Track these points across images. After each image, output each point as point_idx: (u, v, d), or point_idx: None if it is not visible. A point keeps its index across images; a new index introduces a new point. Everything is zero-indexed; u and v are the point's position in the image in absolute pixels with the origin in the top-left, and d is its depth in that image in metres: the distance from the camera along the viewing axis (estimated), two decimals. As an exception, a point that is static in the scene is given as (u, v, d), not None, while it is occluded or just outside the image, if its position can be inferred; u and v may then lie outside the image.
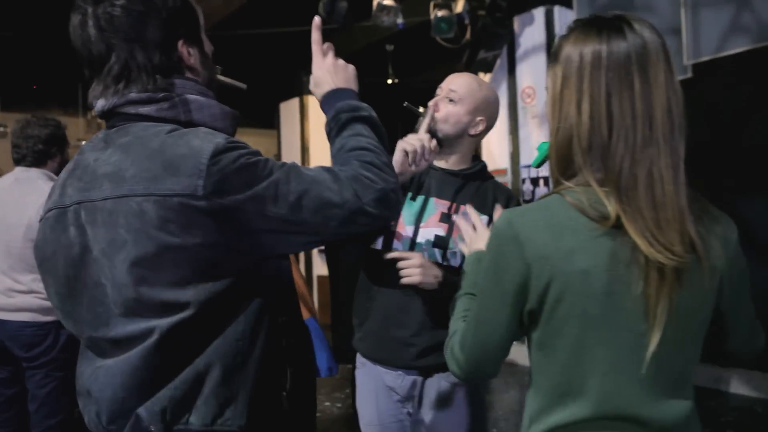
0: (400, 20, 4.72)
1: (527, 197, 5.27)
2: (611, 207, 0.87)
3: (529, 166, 5.27)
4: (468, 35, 5.21)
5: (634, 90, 0.87)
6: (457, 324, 1.07)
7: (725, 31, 4.21)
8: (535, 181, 5.22)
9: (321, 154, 7.50)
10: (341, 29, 5.00)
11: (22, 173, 2.49)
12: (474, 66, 5.35)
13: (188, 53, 1.07)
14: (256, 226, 0.96)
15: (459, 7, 4.97)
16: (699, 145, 4.38)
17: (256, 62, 7.68)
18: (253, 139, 9.78)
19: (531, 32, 5.23)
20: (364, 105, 1.16)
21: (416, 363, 1.68)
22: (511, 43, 5.34)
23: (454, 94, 1.72)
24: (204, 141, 0.95)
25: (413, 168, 1.54)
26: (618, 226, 0.87)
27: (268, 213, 0.95)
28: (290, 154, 7.99)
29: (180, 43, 1.05)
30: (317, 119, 7.80)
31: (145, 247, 0.93)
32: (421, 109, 1.71)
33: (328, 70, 1.20)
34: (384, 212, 1.02)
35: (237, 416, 0.97)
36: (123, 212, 0.94)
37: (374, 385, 1.79)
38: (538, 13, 5.16)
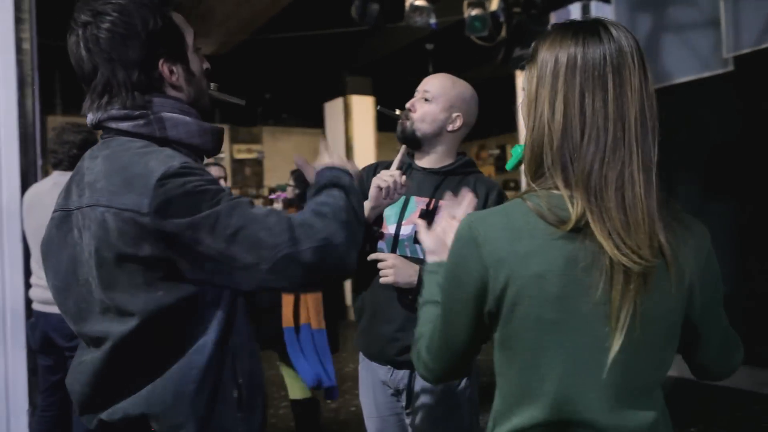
0: (433, 20, 4.75)
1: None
2: (574, 210, 0.87)
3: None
4: (503, 33, 5.21)
5: (607, 92, 0.88)
6: (422, 328, 1.07)
7: (767, 22, 4.09)
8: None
9: (364, 152, 7.61)
10: (373, 31, 5.09)
11: (59, 177, 2.67)
12: (510, 63, 5.34)
13: (170, 72, 1.12)
14: (195, 253, 0.99)
15: (494, 5, 4.97)
16: (740, 140, 4.28)
17: (302, 64, 7.85)
18: (300, 138, 10.01)
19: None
20: (347, 178, 1.17)
21: (402, 358, 1.74)
22: (547, 39, 5.30)
23: (428, 94, 1.79)
24: (160, 163, 1.01)
25: (387, 201, 1.68)
26: (577, 230, 0.87)
27: (203, 242, 0.98)
28: (335, 152, 8.15)
29: (161, 62, 1.11)
30: (360, 119, 7.92)
31: (107, 254, 1.02)
32: (397, 112, 1.79)
33: (332, 159, 1.24)
34: (321, 264, 1.01)
35: None
36: (93, 219, 1.03)
37: (371, 380, 1.88)
38: (575, 8, 5.10)
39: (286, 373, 3.32)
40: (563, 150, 0.89)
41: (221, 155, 10.25)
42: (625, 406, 0.91)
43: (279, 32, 6.94)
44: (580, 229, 0.87)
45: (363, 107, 7.97)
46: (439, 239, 1.15)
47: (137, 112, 1.09)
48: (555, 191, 0.91)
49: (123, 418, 1.04)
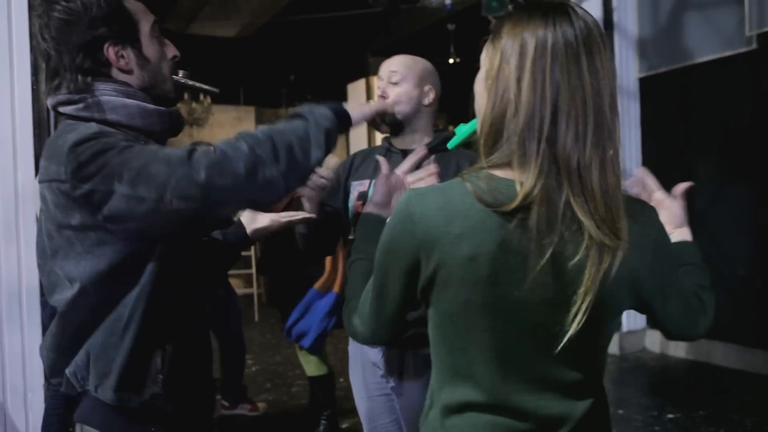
0: (448, 0, 4.70)
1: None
2: (522, 191, 0.85)
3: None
4: (521, 12, 5.12)
5: (582, 71, 0.86)
6: (355, 287, 1.08)
7: (793, -1, 3.94)
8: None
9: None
10: (394, 12, 5.05)
11: None
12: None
13: (117, 56, 1.15)
14: (113, 207, 1.04)
15: (511, -17, 4.89)
16: (764, 120, 4.13)
17: (325, 45, 7.86)
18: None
19: (588, 8, 5.01)
20: (322, 111, 1.18)
21: None
22: (567, 18, 5.19)
23: (396, 75, 1.79)
24: (74, 134, 1.08)
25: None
26: (513, 214, 0.86)
27: (116, 192, 1.03)
28: (358, 132, 8.16)
29: (106, 45, 1.14)
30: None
31: (50, 225, 1.11)
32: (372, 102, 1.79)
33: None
34: (215, 180, 1.03)
35: (107, 390, 1.11)
36: (41, 196, 1.13)
37: (360, 360, 1.89)
38: (595, -14, 4.99)
39: (301, 353, 3.39)
40: (530, 128, 0.86)
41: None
42: (558, 392, 0.92)
43: (300, 14, 6.94)
44: (516, 213, 0.86)
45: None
46: (387, 194, 1.18)
47: (77, 96, 1.13)
48: (498, 173, 0.90)
49: (74, 372, 1.13)
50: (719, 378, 4.20)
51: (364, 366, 1.89)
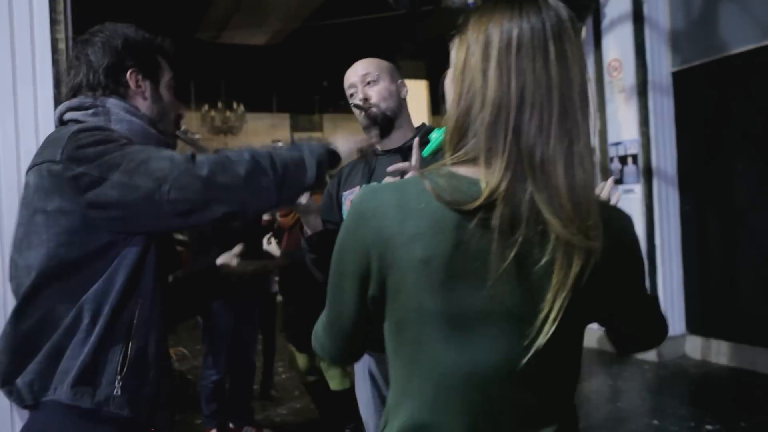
0: (470, 0, 4.62)
1: (615, 176, 4.99)
2: (486, 189, 0.78)
3: (617, 144, 4.97)
4: (548, 9, 4.99)
5: (549, 60, 0.80)
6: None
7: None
8: (623, 160, 4.93)
9: (416, 138, 7.56)
10: (422, 14, 5.00)
11: None
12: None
13: (137, 82, 1.27)
14: (100, 193, 1.07)
15: (536, -20, 4.77)
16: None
17: (356, 50, 7.85)
18: (352, 125, 10.04)
19: (617, 1, 4.90)
20: (318, 146, 1.26)
21: None
22: (596, 14, 5.05)
23: (370, 76, 1.77)
24: (79, 125, 1.13)
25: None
26: (473, 214, 0.78)
27: (110, 178, 1.07)
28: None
29: (130, 71, 1.26)
30: (415, 103, 7.82)
31: (24, 212, 1.13)
32: (359, 103, 1.75)
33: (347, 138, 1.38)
34: (216, 177, 1.09)
35: (64, 387, 1.08)
36: (24, 184, 1.16)
37: (366, 374, 1.85)
38: (625, -21, 4.83)
39: (325, 367, 3.38)
40: (497, 121, 0.80)
41: (279, 143, 10.42)
42: (518, 417, 0.82)
43: (328, 19, 6.96)
44: (477, 213, 0.78)
45: (417, 91, 7.90)
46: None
47: (89, 102, 1.22)
48: (461, 170, 0.82)
49: (29, 382, 1.09)
50: (764, 387, 3.98)
51: (366, 376, 1.85)
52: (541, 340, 0.78)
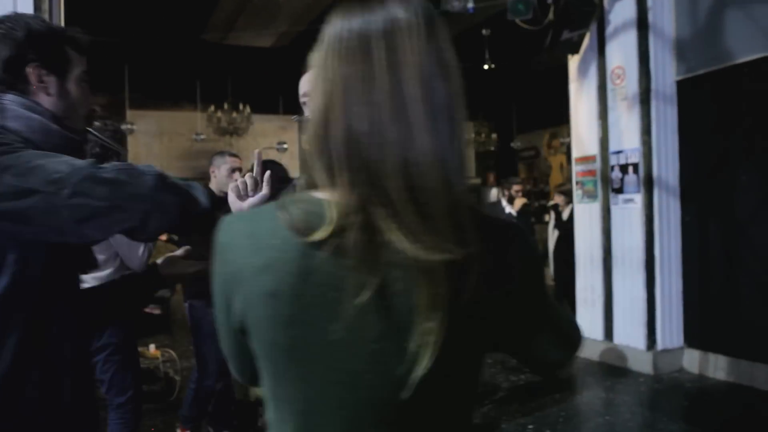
0: (470, 4, 4.57)
1: (616, 185, 4.91)
2: (328, 215, 0.72)
3: (618, 152, 4.89)
4: (551, 15, 4.93)
5: (372, 63, 0.73)
6: None
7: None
8: (624, 168, 4.85)
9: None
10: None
11: None
12: (558, 48, 5.06)
13: (38, 77, 1.20)
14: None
15: (539, -15, 4.72)
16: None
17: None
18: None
19: (621, 7, 4.83)
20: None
21: None
22: (600, 20, 4.98)
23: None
24: None
25: (246, 200, 1.61)
26: (325, 242, 0.71)
27: (3, 181, 1.01)
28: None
29: (31, 65, 1.19)
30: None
31: None
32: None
33: None
34: (124, 179, 1.06)
35: None
36: None
37: None
38: (628, -14, 4.76)
39: None
40: (327, 136, 0.74)
41: (284, 145, 10.42)
42: None
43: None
44: (328, 240, 0.71)
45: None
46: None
47: None
48: (319, 194, 0.76)
49: None
50: (761, 404, 3.88)
51: None
52: (414, 375, 0.70)
